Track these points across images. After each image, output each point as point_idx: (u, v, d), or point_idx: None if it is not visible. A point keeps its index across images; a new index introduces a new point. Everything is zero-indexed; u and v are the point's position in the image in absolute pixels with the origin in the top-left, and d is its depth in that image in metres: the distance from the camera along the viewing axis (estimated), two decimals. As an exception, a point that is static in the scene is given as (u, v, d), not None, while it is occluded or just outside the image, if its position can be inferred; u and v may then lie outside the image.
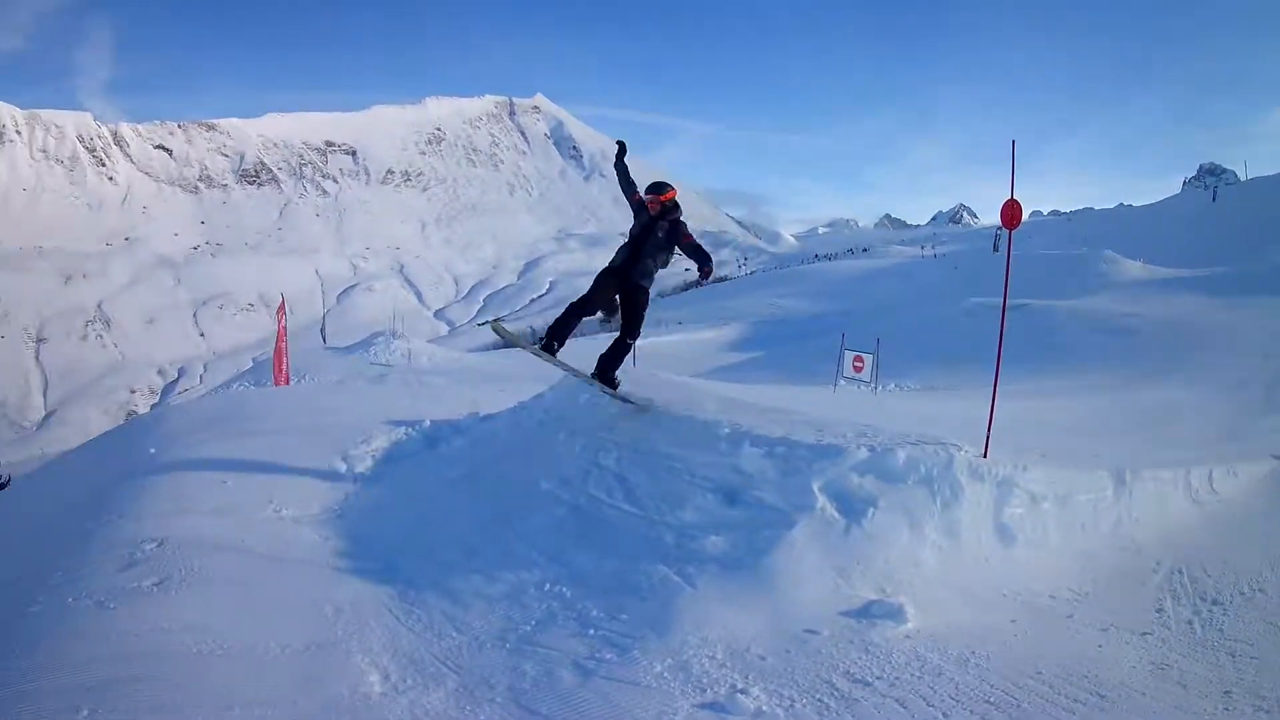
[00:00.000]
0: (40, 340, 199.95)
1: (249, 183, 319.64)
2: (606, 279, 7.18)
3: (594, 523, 5.86)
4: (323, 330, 49.66)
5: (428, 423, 9.01)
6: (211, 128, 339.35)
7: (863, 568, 5.15)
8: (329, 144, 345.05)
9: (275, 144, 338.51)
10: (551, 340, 7.01)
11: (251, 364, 49.58)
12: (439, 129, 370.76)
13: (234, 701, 3.75)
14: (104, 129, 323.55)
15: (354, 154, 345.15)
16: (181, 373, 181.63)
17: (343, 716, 3.73)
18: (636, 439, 6.53)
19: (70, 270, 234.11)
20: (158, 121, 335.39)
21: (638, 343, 7.69)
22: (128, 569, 5.42)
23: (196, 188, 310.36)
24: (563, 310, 7.18)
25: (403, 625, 4.82)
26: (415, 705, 3.88)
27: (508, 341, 7.87)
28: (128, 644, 4.31)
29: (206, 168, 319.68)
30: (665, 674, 4.09)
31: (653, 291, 7.32)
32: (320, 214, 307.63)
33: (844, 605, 4.83)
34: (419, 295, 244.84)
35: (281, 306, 18.46)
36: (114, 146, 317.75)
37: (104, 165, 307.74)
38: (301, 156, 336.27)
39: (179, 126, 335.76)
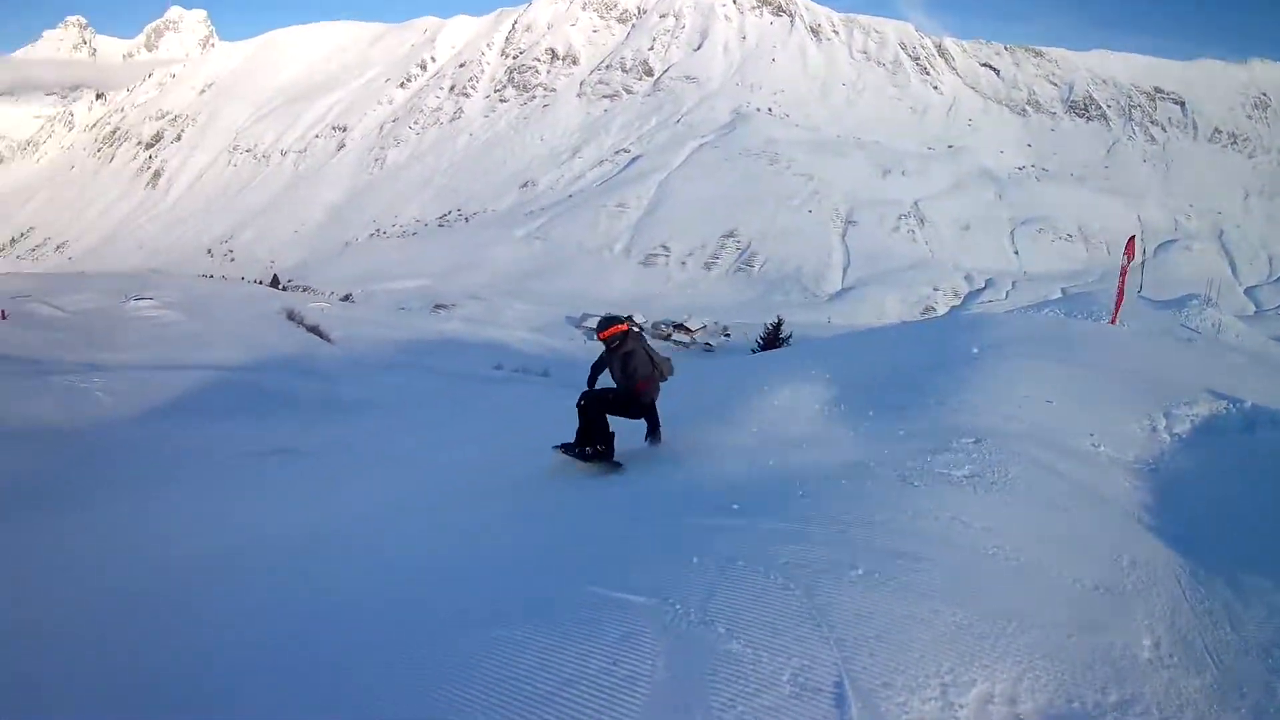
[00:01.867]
0: (849, 222, 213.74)
1: (1078, 115, 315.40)
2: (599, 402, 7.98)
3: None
4: (1140, 279, 36.74)
5: (1249, 404, 8.59)
6: (1039, 55, 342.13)
7: None
8: (1158, 90, 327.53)
9: (1104, 80, 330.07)
10: (581, 447, 7.78)
11: (1060, 293, 52.88)
12: (1264, 94, 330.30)
13: (1011, 614, 3.80)
14: (927, 40, 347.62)
15: (1182, 105, 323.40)
16: (989, 284, 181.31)
17: (1105, 668, 3.66)
18: None
19: (888, 165, 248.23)
20: (982, 40, 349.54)
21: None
22: (939, 454, 5.90)
23: (1024, 110, 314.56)
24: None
25: (1186, 601, 4.62)
26: (1172, 685, 3.73)
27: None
28: (921, 524, 4.71)
29: (1034, 93, 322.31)
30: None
31: None
32: (1147, 160, 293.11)
33: None
34: (1232, 266, 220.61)
35: (1130, 246, 18.80)
36: (938, 58, 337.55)
37: (928, 74, 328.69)
38: (1130, 98, 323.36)
39: (1005, 49, 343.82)
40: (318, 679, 3.84)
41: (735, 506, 4.90)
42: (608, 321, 8.07)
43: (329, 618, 4.89)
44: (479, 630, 3.81)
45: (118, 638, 5.33)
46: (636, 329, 8.06)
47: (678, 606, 3.69)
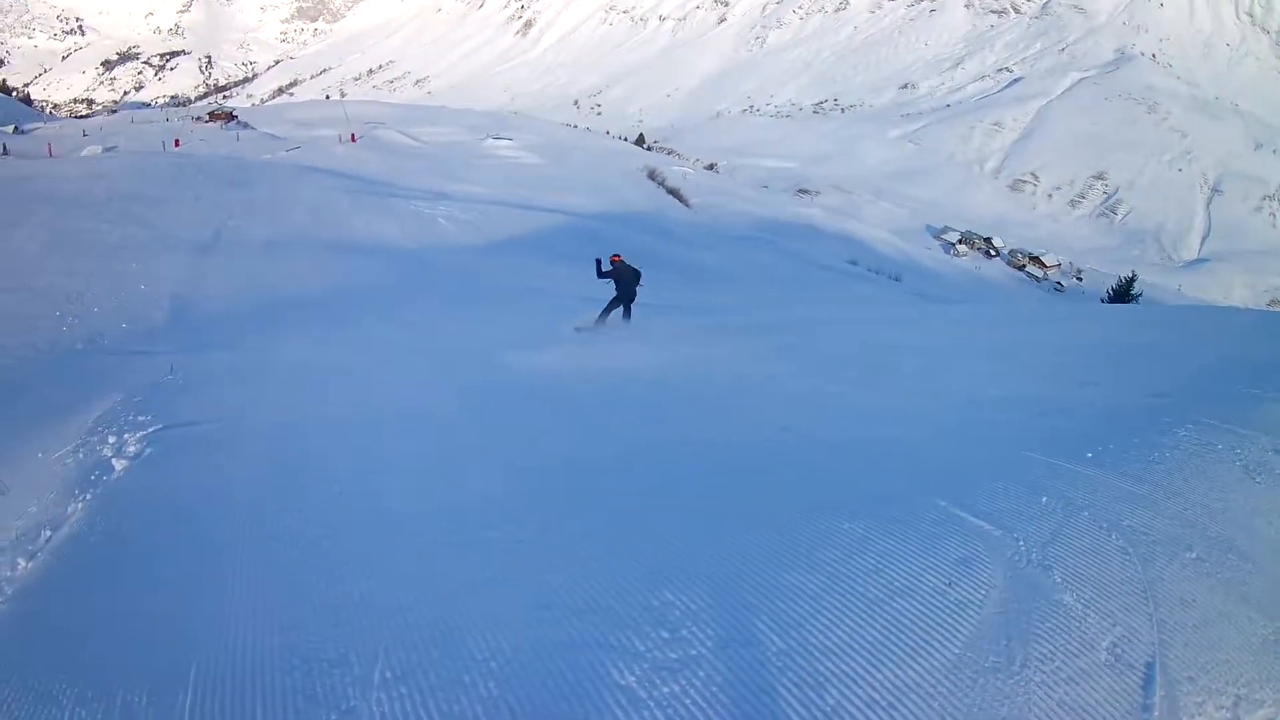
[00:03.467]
0: (1215, 191, 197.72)
1: None
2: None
3: None
4: None
5: None
6: None
7: None
8: None
9: None
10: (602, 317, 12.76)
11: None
12: None
13: None
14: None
15: None
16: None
17: None
18: None
19: (1262, 139, 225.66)
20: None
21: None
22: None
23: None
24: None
25: None
26: None
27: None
28: (1256, 522, 4.52)
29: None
30: None
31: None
32: None
33: None
34: None
35: None
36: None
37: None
38: None
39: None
40: (652, 550, 3.95)
41: (1089, 455, 5.00)
42: (615, 255, 12.77)
43: (659, 488, 5.08)
44: (823, 519, 3.97)
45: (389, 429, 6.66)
46: (628, 265, 12.68)
47: (1020, 543, 3.79)
